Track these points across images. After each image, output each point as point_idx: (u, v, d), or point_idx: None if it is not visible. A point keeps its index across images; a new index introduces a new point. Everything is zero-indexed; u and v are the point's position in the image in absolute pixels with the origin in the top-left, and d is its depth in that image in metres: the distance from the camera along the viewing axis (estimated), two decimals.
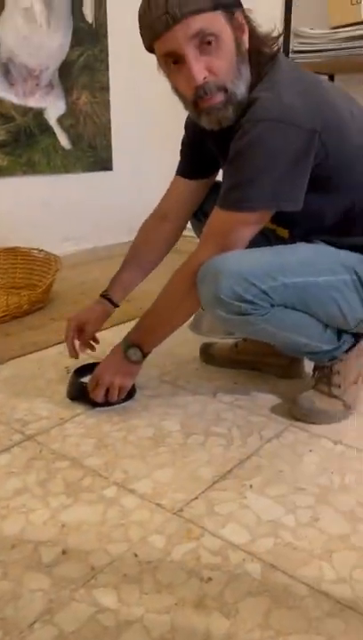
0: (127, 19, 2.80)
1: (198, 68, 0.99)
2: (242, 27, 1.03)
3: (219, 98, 1.02)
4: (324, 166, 1.04)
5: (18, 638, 0.71)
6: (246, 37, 1.04)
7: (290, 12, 2.26)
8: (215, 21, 0.97)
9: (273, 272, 1.07)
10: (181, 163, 1.35)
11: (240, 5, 1.04)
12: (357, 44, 2.02)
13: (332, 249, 1.15)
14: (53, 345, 1.67)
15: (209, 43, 0.98)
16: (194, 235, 1.41)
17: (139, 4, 1.01)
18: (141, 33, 1.03)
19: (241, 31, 1.03)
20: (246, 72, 1.04)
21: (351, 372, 1.24)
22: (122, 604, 0.76)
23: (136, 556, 0.84)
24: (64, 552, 0.85)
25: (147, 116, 3.01)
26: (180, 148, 1.36)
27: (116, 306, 1.39)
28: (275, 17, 2.24)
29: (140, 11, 1.01)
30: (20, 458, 1.10)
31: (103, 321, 1.39)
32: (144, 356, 1.25)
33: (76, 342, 1.37)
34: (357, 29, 2.01)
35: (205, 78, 1.00)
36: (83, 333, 1.37)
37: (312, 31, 2.07)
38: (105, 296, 1.38)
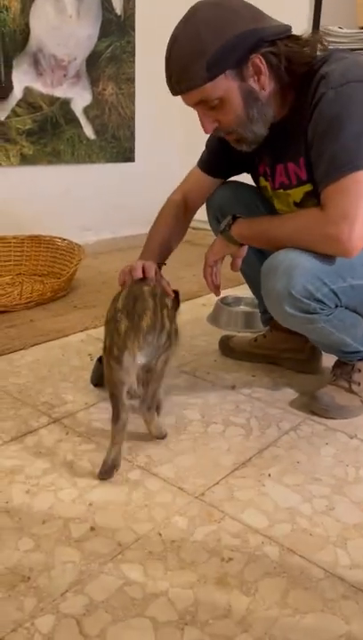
0: (155, 12, 2.85)
1: (206, 122, 1.09)
2: (258, 70, 1.02)
3: (233, 136, 1.12)
4: None
5: (51, 605, 0.76)
6: (264, 78, 1.03)
7: (320, 11, 2.28)
8: (214, 88, 1.02)
9: (342, 272, 1.08)
10: (207, 158, 1.36)
11: (257, 49, 1.00)
12: None
13: None
14: (77, 332, 1.72)
15: (213, 107, 1.05)
16: (209, 228, 1.42)
17: None
18: None
19: (258, 74, 1.03)
20: (258, 113, 1.07)
21: None
22: (148, 578, 0.80)
23: (160, 535, 0.89)
24: (92, 529, 0.90)
25: (171, 109, 3.02)
26: (206, 140, 1.36)
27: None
28: (304, 16, 2.26)
29: None
30: (47, 439, 1.14)
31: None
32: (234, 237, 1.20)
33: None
34: None
35: (215, 128, 1.09)
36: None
37: (341, 30, 2.08)
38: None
